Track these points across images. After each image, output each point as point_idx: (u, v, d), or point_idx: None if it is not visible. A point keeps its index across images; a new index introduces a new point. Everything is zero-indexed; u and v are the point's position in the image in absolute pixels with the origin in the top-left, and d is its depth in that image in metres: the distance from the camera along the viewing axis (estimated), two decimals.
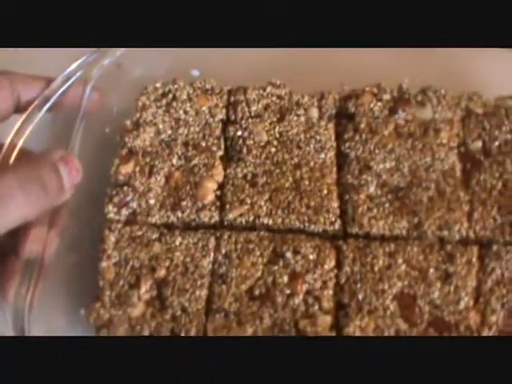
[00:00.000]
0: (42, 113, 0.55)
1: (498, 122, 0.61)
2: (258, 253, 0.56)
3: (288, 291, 0.55)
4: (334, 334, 0.54)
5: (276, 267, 0.55)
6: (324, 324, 0.54)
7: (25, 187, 0.47)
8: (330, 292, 0.55)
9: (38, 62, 0.60)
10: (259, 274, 0.55)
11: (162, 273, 0.56)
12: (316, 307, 0.54)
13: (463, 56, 0.63)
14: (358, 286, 0.55)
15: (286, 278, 0.55)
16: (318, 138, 0.60)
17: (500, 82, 0.62)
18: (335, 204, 0.57)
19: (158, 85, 0.61)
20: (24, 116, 0.54)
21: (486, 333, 0.54)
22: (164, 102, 0.61)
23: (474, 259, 0.56)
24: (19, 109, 0.54)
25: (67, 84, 0.56)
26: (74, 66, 0.56)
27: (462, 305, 0.54)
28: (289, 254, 0.55)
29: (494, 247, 0.56)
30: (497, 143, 0.60)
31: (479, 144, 0.60)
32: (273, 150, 0.59)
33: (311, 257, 0.56)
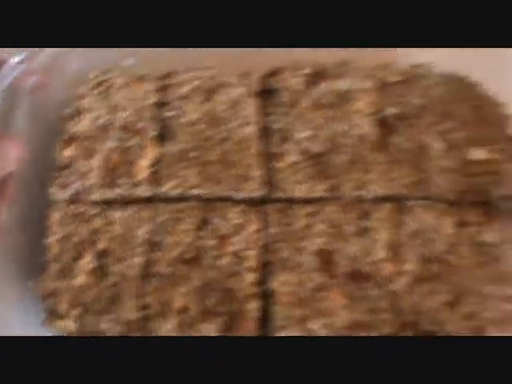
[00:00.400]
0: None
1: (410, 89, 0.65)
2: (188, 221, 0.61)
3: (216, 253, 0.59)
4: (257, 290, 0.58)
5: (204, 232, 0.60)
6: (248, 281, 0.58)
7: None
8: (255, 252, 0.59)
9: None
10: (189, 239, 0.60)
11: (102, 245, 0.61)
12: (241, 266, 0.59)
13: None
14: (281, 244, 0.59)
15: (213, 242, 0.60)
16: (242, 113, 0.65)
17: (413, 52, 0.67)
18: (259, 172, 0.62)
19: (94, 74, 0.67)
20: None
21: (400, 281, 0.58)
22: (100, 89, 0.66)
23: (389, 215, 0.60)
24: None
25: (15, 69, 0.62)
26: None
27: (376, 256, 0.59)
28: (216, 220, 0.60)
29: (408, 202, 0.61)
30: (410, 108, 0.65)
31: (394, 110, 0.64)
32: (201, 127, 0.64)
33: (236, 221, 0.60)
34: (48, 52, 0.66)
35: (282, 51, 0.65)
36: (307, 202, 0.61)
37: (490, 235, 0.60)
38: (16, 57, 0.63)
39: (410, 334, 0.57)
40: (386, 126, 0.64)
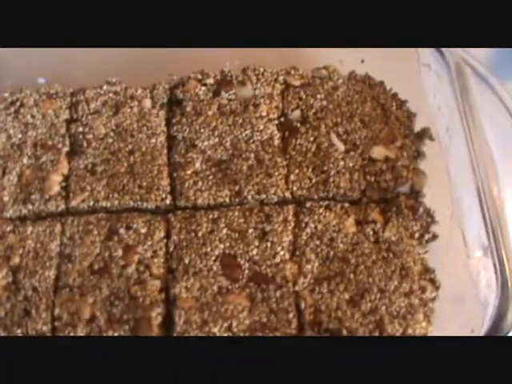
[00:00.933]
0: None
1: (313, 91, 0.67)
2: (96, 232, 0.63)
3: (122, 263, 0.61)
4: (161, 296, 0.60)
5: (111, 243, 0.62)
6: (153, 288, 0.60)
7: None
8: (161, 260, 0.61)
9: None
10: (98, 250, 0.62)
11: (16, 260, 0.63)
12: (147, 274, 0.61)
13: None
14: (184, 251, 0.61)
15: (120, 252, 0.61)
16: (149, 125, 0.66)
17: (317, 56, 0.68)
18: (165, 182, 0.64)
19: (6, 94, 0.69)
20: None
21: (301, 281, 0.60)
22: (13, 109, 0.68)
23: (290, 217, 0.62)
24: None
25: None
26: None
27: (278, 258, 0.60)
28: (122, 230, 0.62)
29: (308, 204, 0.62)
30: (313, 110, 0.66)
31: (297, 113, 0.66)
32: (110, 140, 0.66)
33: (142, 230, 0.62)
34: None
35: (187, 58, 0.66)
36: (211, 208, 0.62)
37: (390, 232, 0.60)
38: None
39: (312, 333, 0.58)
40: (288, 129, 0.65)
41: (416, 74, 0.66)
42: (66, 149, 0.67)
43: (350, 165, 0.63)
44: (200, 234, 0.61)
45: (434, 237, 0.62)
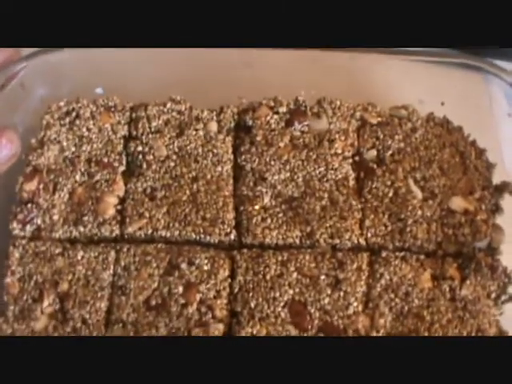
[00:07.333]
0: None
1: (391, 131, 0.63)
2: (154, 264, 0.58)
3: (182, 301, 0.57)
4: None
5: (171, 278, 0.57)
6: (216, 332, 0.56)
7: None
8: (224, 301, 0.57)
9: None
10: (156, 284, 0.57)
11: (64, 286, 0.58)
12: (209, 316, 0.56)
13: (361, 66, 0.64)
14: (251, 294, 0.57)
15: (180, 289, 0.57)
16: (215, 151, 0.62)
17: (395, 93, 0.64)
18: (230, 215, 0.59)
19: (61, 103, 0.63)
20: None
21: (373, 335, 0.56)
22: (68, 120, 0.63)
23: (364, 266, 0.58)
24: None
25: None
26: None
27: (350, 309, 0.57)
28: (184, 265, 0.57)
29: (384, 253, 0.58)
30: (390, 152, 0.62)
31: (373, 153, 0.62)
32: (172, 164, 0.61)
33: (205, 267, 0.58)
34: None
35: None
36: (279, 248, 0.59)
37: (467, 290, 0.57)
38: None
39: None
40: (364, 169, 0.62)
41: (494, 122, 0.63)
42: (122, 168, 0.62)
43: (428, 214, 0.60)
44: (268, 277, 0.57)
45: (511, 298, 0.58)
